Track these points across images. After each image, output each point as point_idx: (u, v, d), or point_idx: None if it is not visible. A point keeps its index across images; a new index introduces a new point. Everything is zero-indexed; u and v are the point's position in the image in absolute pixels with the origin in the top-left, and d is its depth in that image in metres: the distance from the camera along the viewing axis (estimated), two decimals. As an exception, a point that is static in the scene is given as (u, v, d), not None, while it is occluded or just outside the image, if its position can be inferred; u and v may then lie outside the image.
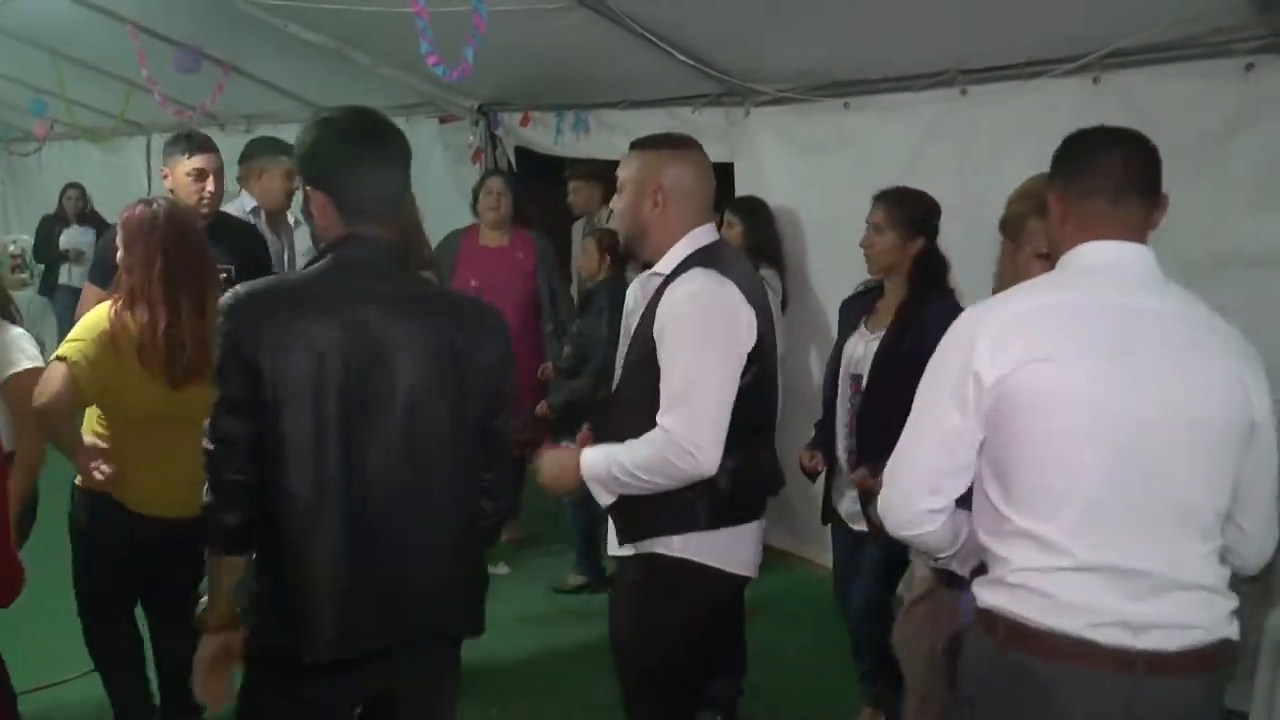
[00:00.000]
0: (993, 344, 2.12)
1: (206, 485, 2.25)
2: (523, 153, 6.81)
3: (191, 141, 4.17)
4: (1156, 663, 2.04)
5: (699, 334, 2.69)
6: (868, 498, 3.48)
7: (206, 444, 2.24)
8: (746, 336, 2.74)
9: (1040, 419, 2.08)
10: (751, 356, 2.77)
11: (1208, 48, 3.79)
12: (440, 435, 2.32)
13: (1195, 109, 3.81)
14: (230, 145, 4.88)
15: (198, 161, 4.08)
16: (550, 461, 2.92)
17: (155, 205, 3.27)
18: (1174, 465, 2.07)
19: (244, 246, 4.23)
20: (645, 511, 2.81)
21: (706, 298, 2.71)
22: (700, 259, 2.79)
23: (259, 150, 4.90)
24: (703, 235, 2.87)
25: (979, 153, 4.49)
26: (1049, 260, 2.39)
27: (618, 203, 2.94)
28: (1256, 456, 2.15)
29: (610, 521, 2.95)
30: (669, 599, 2.87)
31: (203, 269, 3.28)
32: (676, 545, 2.81)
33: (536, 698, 4.29)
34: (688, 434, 2.61)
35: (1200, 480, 2.10)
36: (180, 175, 4.11)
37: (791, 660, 4.57)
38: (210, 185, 4.12)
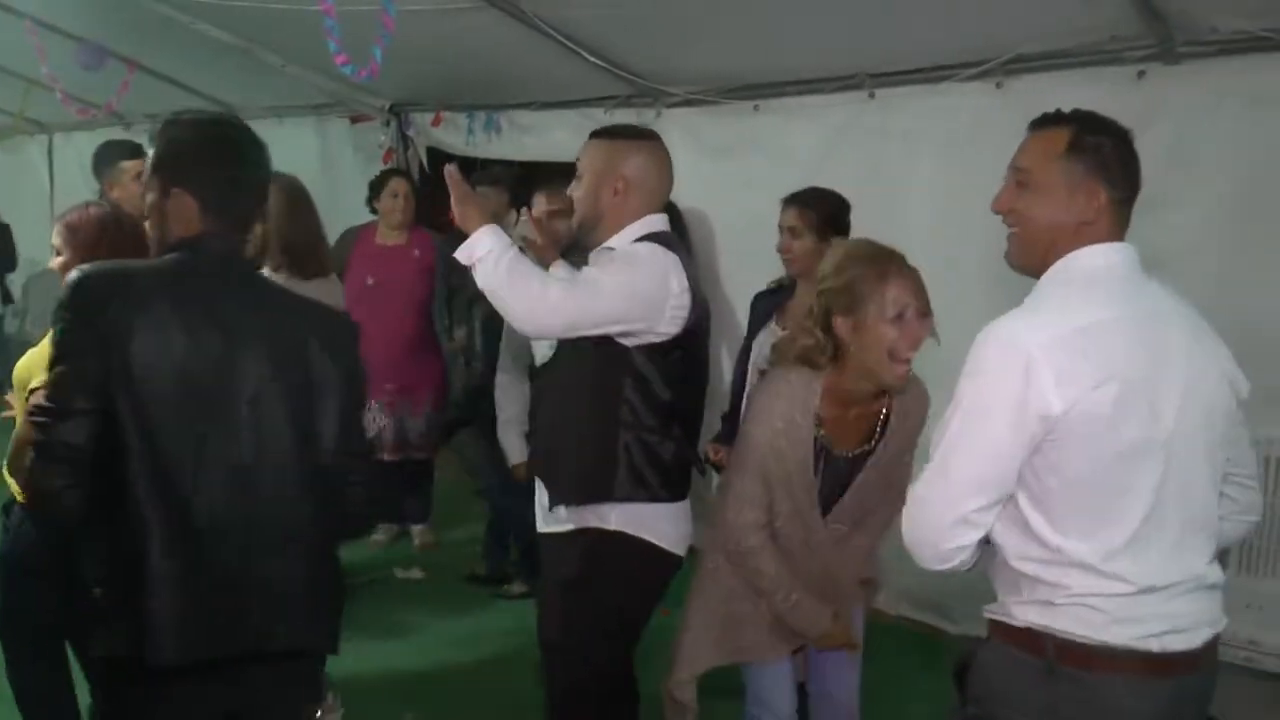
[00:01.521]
0: (1057, 373, 1.99)
1: (34, 453, 2.16)
2: (434, 153, 6.77)
3: (127, 146, 4.05)
4: (1190, 661, 2.09)
5: (625, 259, 2.81)
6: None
7: (40, 411, 2.14)
8: (674, 295, 2.79)
9: (1099, 444, 2.02)
10: (680, 340, 2.84)
11: (1103, 55, 3.93)
12: (284, 439, 2.28)
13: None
14: (136, 145, 4.76)
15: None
16: None
17: (104, 208, 3.23)
18: (1198, 470, 2.10)
19: None
20: (573, 474, 2.90)
21: (644, 252, 2.81)
22: (652, 239, 2.87)
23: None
24: (656, 222, 2.94)
25: (887, 154, 4.57)
26: (915, 317, 2.56)
27: (575, 189, 2.96)
28: (1238, 429, 2.21)
29: (539, 496, 2.99)
30: (609, 579, 2.90)
31: None
32: (613, 519, 2.86)
33: (455, 704, 4.25)
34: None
35: (1210, 477, 2.14)
36: (129, 182, 3.95)
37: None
38: None
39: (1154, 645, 2.06)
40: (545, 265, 3.01)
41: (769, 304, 3.90)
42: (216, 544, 2.21)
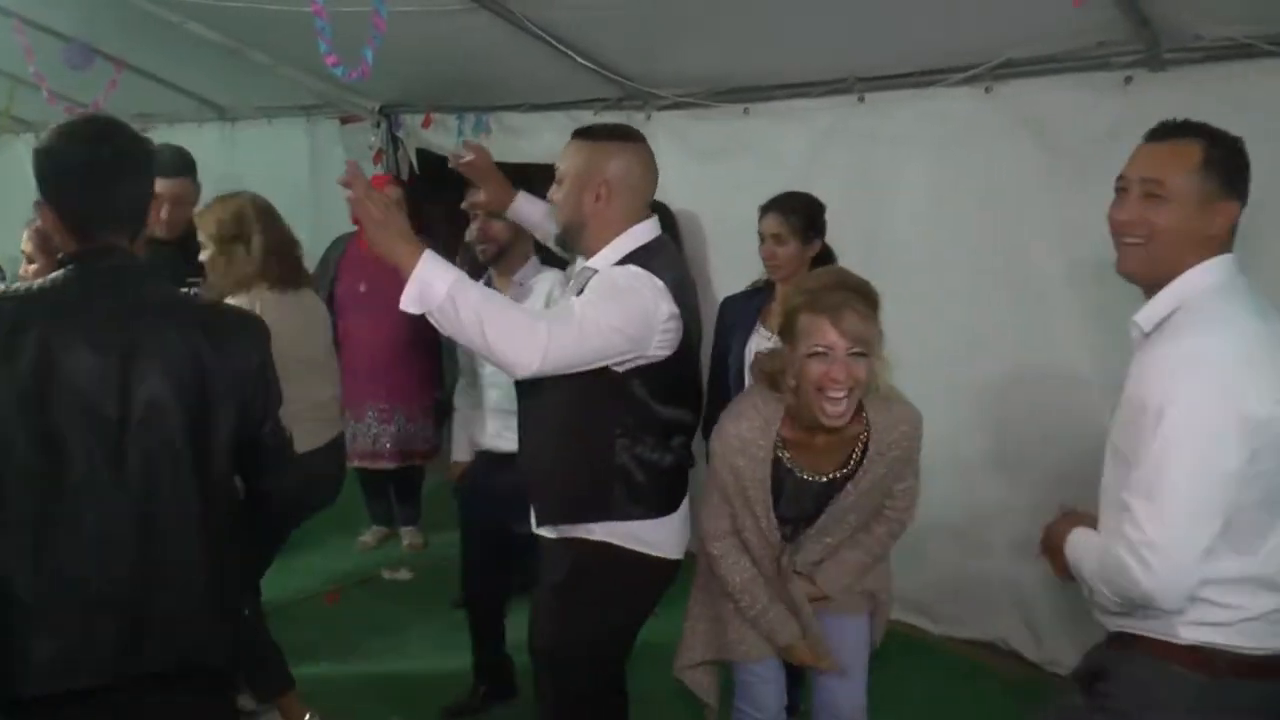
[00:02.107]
0: (1257, 385, 2.06)
1: None
2: (424, 154, 6.77)
3: None
4: None
5: (609, 291, 2.64)
6: None
7: None
8: (662, 321, 2.68)
9: (1276, 456, 2.08)
10: (675, 360, 2.76)
11: (1091, 60, 3.95)
12: (175, 452, 2.21)
13: (1080, 118, 3.97)
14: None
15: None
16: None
17: None
18: None
19: None
20: (563, 497, 2.83)
21: (626, 278, 2.67)
22: (638, 258, 2.74)
23: None
24: (644, 231, 2.82)
25: (876, 158, 4.59)
26: (841, 356, 2.57)
27: (556, 193, 2.84)
28: None
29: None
30: (598, 588, 2.84)
31: None
32: (598, 530, 2.80)
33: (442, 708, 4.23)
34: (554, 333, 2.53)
35: None
36: None
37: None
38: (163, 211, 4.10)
39: None
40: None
41: (748, 308, 3.87)
42: (94, 564, 2.14)
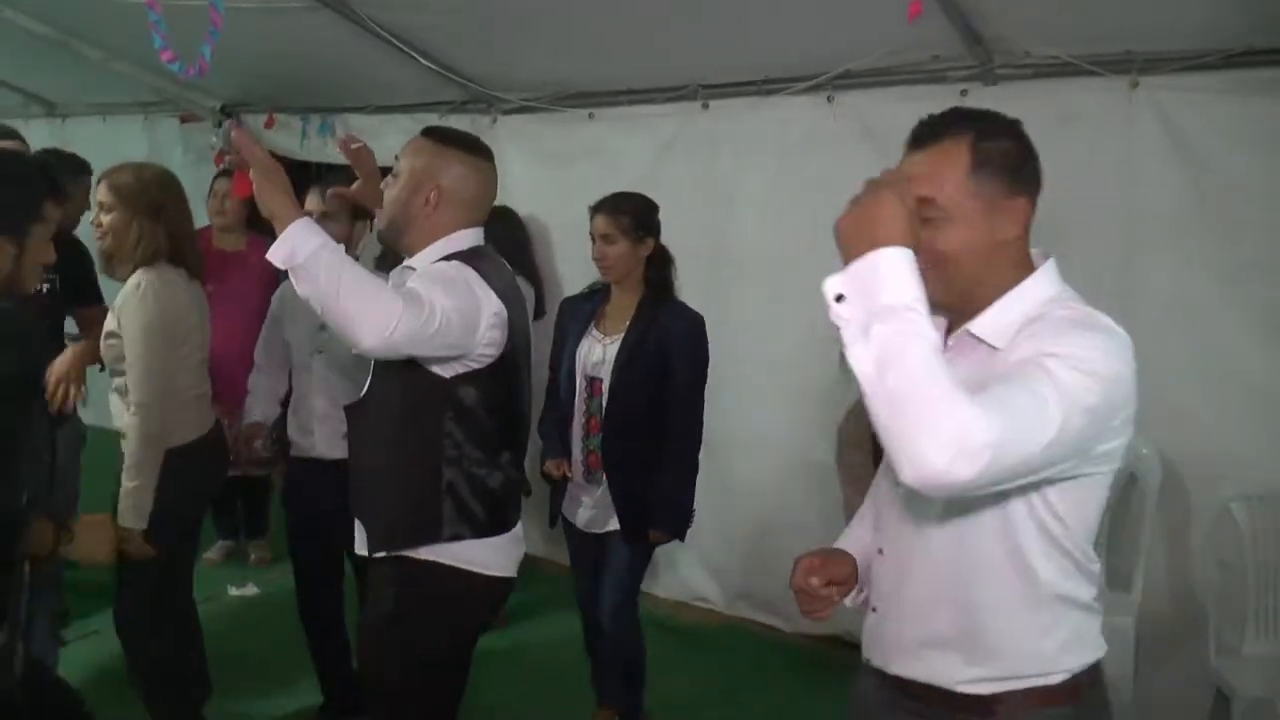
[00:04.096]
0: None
1: None
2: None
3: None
4: None
5: (438, 279, 2.56)
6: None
7: None
8: (482, 318, 2.59)
9: None
10: (499, 363, 2.68)
11: (928, 74, 4.10)
12: None
13: (919, 128, 4.08)
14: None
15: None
16: None
17: None
18: None
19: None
20: (394, 520, 2.71)
21: (452, 269, 2.61)
22: (460, 258, 2.67)
23: None
24: (464, 239, 2.73)
25: (719, 164, 4.67)
26: None
27: (390, 188, 2.76)
28: None
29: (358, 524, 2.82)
30: (424, 612, 2.71)
31: None
32: (423, 550, 2.68)
33: None
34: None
35: None
36: None
37: (534, 661, 4.58)
38: None
39: None
40: None
41: (584, 310, 3.83)
42: None
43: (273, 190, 2.38)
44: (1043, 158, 3.92)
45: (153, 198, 3.41)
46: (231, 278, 5.19)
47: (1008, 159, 1.94)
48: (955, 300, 1.89)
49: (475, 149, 2.80)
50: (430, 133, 2.84)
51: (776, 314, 4.47)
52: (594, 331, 3.76)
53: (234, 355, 5.19)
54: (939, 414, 1.52)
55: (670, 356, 3.63)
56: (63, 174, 3.47)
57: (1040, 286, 1.91)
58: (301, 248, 2.31)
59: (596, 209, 3.71)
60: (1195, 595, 3.80)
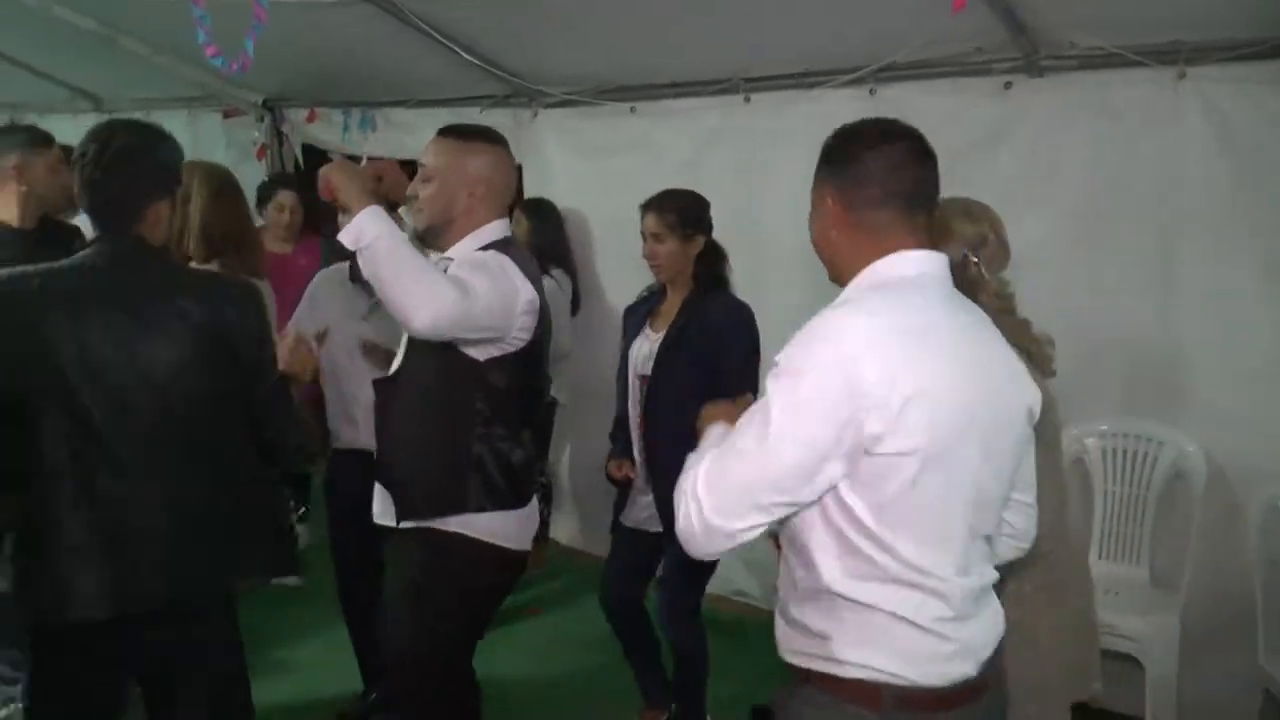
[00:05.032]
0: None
1: None
2: (309, 150, 6.66)
3: (37, 131, 3.73)
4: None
5: (479, 266, 2.71)
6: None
7: None
8: (519, 305, 2.74)
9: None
10: (530, 351, 2.80)
11: (972, 65, 4.05)
12: (198, 406, 2.49)
13: (963, 120, 4.05)
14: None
15: (57, 150, 3.61)
16: None
17: None
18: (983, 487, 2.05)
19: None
20: (425, 489, 2.84)
21: (490, 258, 2.75)
22: (496, 248, 2.81)
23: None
24: (495, 230, 2.88)
25: (761, 157, 4.63)
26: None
27: (423, 189, 2.86)
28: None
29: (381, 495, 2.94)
30: (450, 582, 2.84)
31: None
32: (452, 521, 2.82)
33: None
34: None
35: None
36: (43, 169, 3.59)
37: (572, 659, 4.57)
38: None
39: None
40: None
41: (641, 312, 3.84)
42: (125, 510, 2.42)
43: (356, 191, 2.65)
44: (1087, 149, 3.92)
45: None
46: (278, 279, 5.22)
47: None
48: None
49: (494, 139, 2.95)
50: (449, 132, 2.95)
51: (817, 307, 4.43)
52: (647, 330, 3.76)
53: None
54: None
55: (717, 347, 3.56)
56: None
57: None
58: (368, 231, 2.54)
59: (646, 207, 3.70)
60: (1242, 594, 3.71)
